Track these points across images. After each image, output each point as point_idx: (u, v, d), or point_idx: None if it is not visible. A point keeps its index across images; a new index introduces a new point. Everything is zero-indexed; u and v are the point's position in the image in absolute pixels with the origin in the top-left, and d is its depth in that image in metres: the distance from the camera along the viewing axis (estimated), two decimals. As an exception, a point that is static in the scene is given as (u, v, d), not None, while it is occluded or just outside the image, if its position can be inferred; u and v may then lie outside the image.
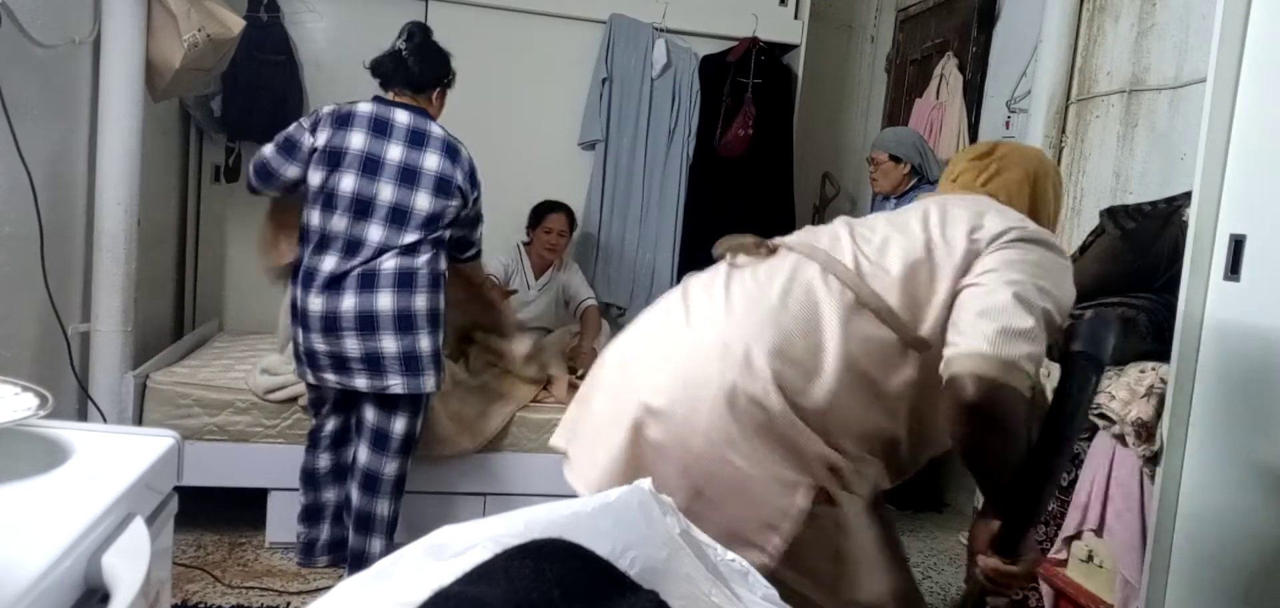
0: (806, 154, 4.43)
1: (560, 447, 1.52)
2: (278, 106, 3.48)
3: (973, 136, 3.86)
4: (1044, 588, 2.54)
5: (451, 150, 2.47)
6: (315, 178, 2.40)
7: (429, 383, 2.47)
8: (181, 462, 1.13)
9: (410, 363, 2.43)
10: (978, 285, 1.27)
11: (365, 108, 2.45)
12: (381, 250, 2.39)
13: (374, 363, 2.41)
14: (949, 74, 3.98)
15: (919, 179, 3.45)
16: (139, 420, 2.72)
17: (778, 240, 1.48)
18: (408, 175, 2.41)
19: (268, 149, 2.47)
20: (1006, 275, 1.25)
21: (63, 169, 2.50)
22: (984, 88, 3.88)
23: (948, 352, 1.23)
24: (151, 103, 2.75)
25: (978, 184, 1.53)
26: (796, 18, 4.13)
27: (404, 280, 2.41)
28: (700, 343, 1.33)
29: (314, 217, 2.41)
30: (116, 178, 2.60)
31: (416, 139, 2.44)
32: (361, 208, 2.39)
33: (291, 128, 2.46)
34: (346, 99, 2.62)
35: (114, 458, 1.02)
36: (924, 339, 1.29)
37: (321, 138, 2.41)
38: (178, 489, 1.13)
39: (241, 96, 3.44)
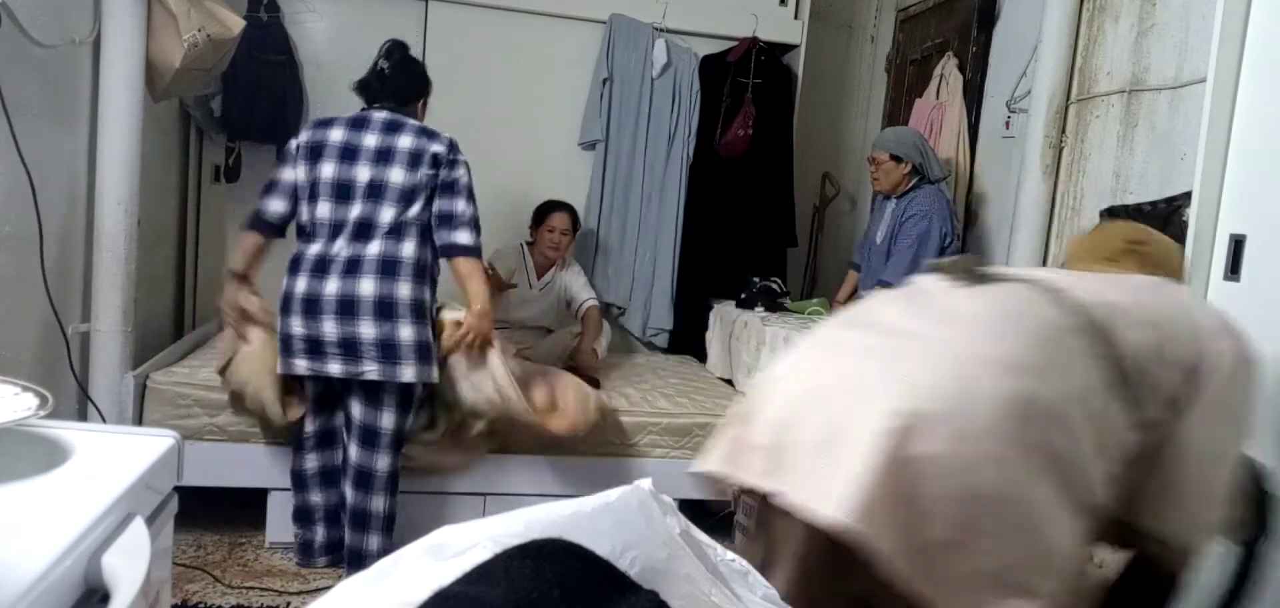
0: (806, 154, 4.43)
1: (748, 480, 1.25)
2: (278, 107, 3.48)
3: (973, 137, 3.86)
4: (1044, 588, 2.53)
5: (427, 131, 2.52)
6: (300, 172, 2.49)
7: (407, 373, 2.44)
8: (181, 462, 1.13)
9: (387, 350, 2.41)
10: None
11: (344, 116, 2.55)
12: (362, 230, 2.43)
13: (350, 348, 2.41)
14: (949, 74, 3.98)
15: (920, 179, 3.45)
16: (139, 420, 2.72)
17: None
18: (383, 155, 2.47)
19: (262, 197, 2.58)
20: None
21: (63, 169, 2.50)
22: (984, 88, 3.88)
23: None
24: (151, 103, 2.75)
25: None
26: (796, 18, 4.13)
27: (387, 268, 2.42)
28: (968, 341, 1.17)
29: (302, 210, 2.50)
30: (116, 178, 2.60)
31: (391, 127, 2.50)
32: (342, 191, 2.45)
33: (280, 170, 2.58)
34: (346, 99, 2.65)
35: (114, 458, 1.02)
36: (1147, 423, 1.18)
37: (304, 137, 2.53)
38: (178, 489, 1.13)
39: (241, 97, 3.44)
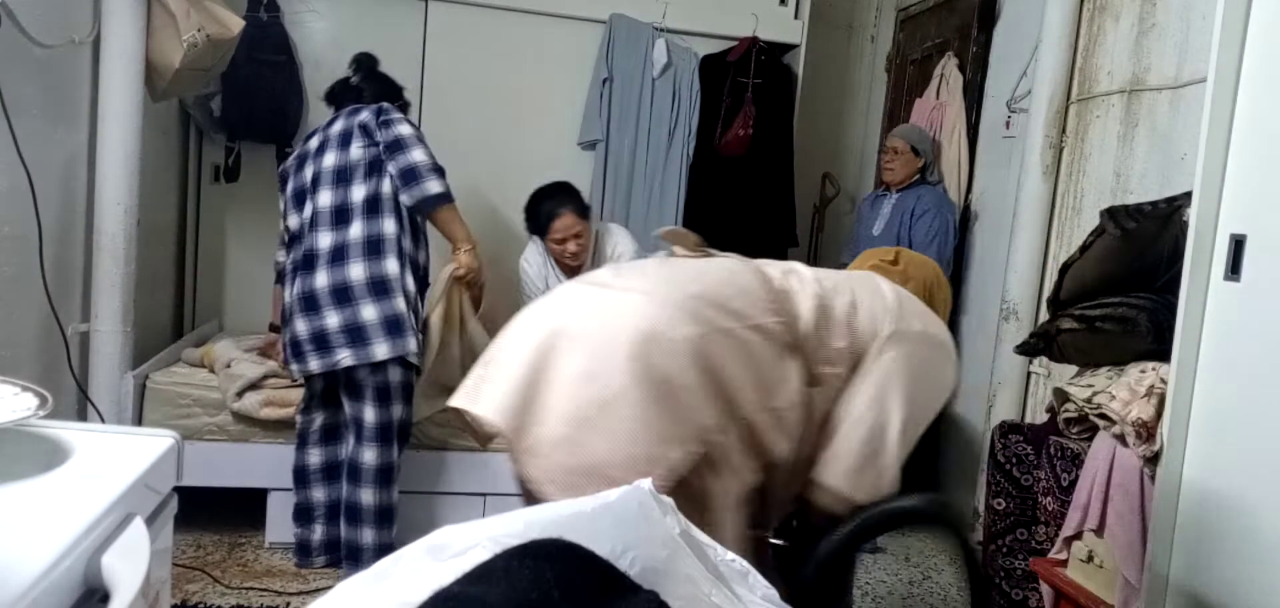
0: (807, 154, 4.43)
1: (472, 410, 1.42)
2: (277, 107, 3.47)
3: (973, 137, 3.87)
4: (1044, 588, 2.53)
5: (354, 111, 2.59)
6: (289, 188, 2.66)
7: (380, 350, 2.43)
8: (181, 462, 1.12)
9: (354, 334, 2.44)
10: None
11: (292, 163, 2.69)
12: (314, 224, 2.50)
13: (321, 342, 2.46)
14: (949, 74, 3.98)
15: (921, 177, 3.61)
16: (138, 421, 2.72)
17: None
18: (321, 149, 2.57)
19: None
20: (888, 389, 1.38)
21: (62, 169, 2.50)
22: (984, 88, 3.88)
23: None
24: (151, 103, 2.75)
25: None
26: (796, 18, 4.13)
27: (338, 254, 2.46)
28: (627, 292, 1.38)
29: (289, 219, 2.64)
30: (116, 178, 2.60)
31: (331, 123, 2.61)
32: (298, 199, 2.59)
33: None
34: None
35: (114, 458, 1.02)
36: (819, 379, 1.37)
37: (279, 172, 2.74)
38: (177, 489, 1.13)
39: (241, 97, 3.44)
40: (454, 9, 3.77)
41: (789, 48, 4.16)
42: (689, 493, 1.26)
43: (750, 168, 4.07)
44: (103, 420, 2.56)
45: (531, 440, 1.29)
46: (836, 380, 1.38)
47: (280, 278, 2.74)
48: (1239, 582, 1.84)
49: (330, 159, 2.53)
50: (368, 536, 2.54)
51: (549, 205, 3.08)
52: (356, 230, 2.45)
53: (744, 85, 3.99)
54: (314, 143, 2.62)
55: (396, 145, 2.48)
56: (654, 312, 1.31)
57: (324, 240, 2.47)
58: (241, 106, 3.45)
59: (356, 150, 2.50)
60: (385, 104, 2.57)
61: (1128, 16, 3.03)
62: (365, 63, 2.74)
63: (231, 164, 3.63)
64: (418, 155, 2.47)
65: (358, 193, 2.47)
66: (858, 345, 1.39)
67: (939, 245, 3.49)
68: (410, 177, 2.46)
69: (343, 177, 2.49)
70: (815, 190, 4.83)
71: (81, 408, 2.58)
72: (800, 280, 1.45)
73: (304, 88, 3.59)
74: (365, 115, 2.53)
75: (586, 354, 1.29)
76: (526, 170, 3.84)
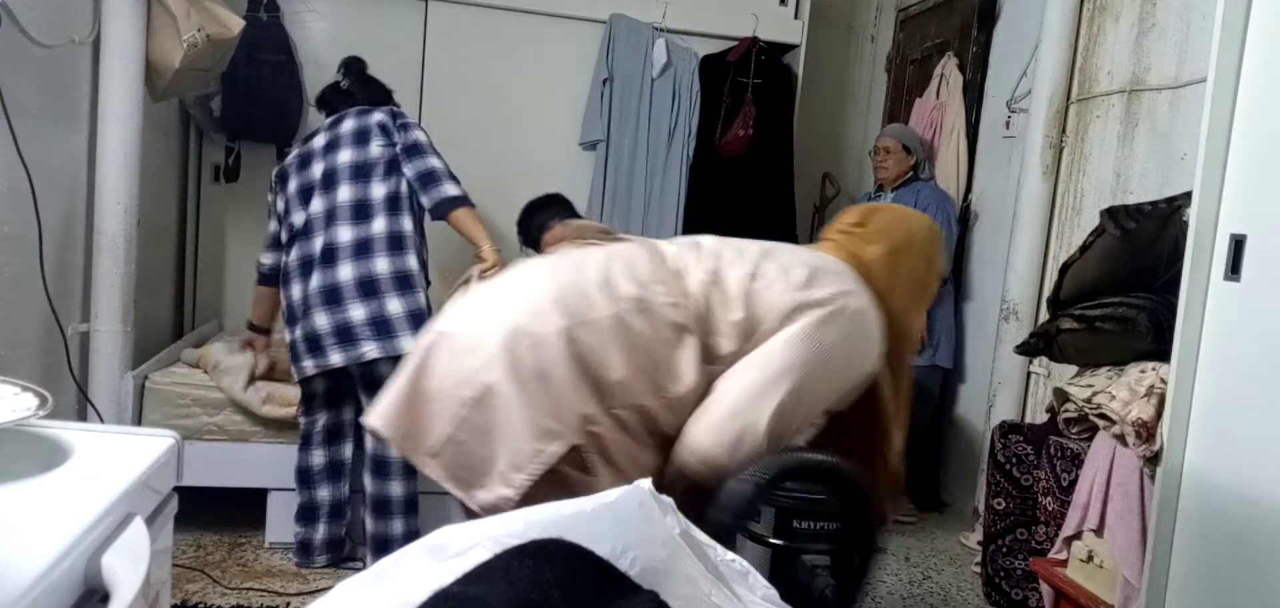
0: (806, 154, 4.43)
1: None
2: (277, 107, 3.47)
3: (972, 137, 3.87)
4: (1044, 588, 2.54)
5: (364, 110, 2.60)
6: (279, 203, 2.63)
7: (406, 343, 2.41)
8: (181, 462, 1.12)
9: (380, 326, 2.43)
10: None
11: (292, 160, 2.68)
12: (330, 219, 2.50)
13: (345, 334, 2.44)
14: (949, 74, 3.98)
15: (913, 175, 3.67)
16: (138, 420, 2.72)
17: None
18: (331, 147, 2.57)
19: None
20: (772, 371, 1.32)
21: (62, 169, 2.50)
22: (984, 88, 3.89)
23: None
24: (151, 103, 2.75)
25: (845, 253, 1.56)
26: (796, 18, 4.13)
27: (362, 248, 2.46)
28: (505, 291, 1.40)
29: (283, 230, 2.64)
30: (116, 178, 2.59)
31: (336, 122, 2.61)
32: (305, 194, 2.57)
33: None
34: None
35: (114, 458, 1.02)
36: (716, 356, 1.34)
37: (273, 177, 2.68)
38: (177, 489, 1.13)
39: (241, 97, 3.43)
40: (454, 9, 3.77)
41: (789, 48, 4.16)
42: (579, 480, 1.27)
43: (750, 168, 4.07)
44: (102, 421, 2.56)
45: (422, 448, 1.32)
46: (733, 357, 1.34)
47: (267, 279, 2.72)
48: (1239, 581, 1.84)
49: (346, 156, 2.53)
50: (397, 525, 2.57)
51: (541, 218, 2.99)
52: (380, 225, 2.47)
53: (744, 85, 3.99)
54: (319, 141, 2.60)
55: (414, 149, 2.55)
56: (525, 307, 1.32)
57: (344, 234, 2.47)
58: (241, 107, 3.45)
59: (376, 148, 2.52)
60: (395, 108, 2.63)
61: (1128, 16, 3.03)
62: (355, 66, 2.75)
63: (231, 164, 3.63)
64: (434, 161, 2.55)
65: (378, 190, 2.50)
66: (754, 318, 1.34)
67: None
68: (429, 180, 2.52)
69: (362, 173, 2.51)
70: (815, 190, 4.83)
71: (81, 408, 2.58)
72: (697, 255, 1.42)
73: (304, 88, 3.58)
74: (381, 116, 2.56)
75: (462, 354, 1.31)
76: (527, 171, 3.84)
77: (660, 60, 3.96)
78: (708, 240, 1.48)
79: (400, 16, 3.72)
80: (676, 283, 1.37)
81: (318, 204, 2.53)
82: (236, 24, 2.82)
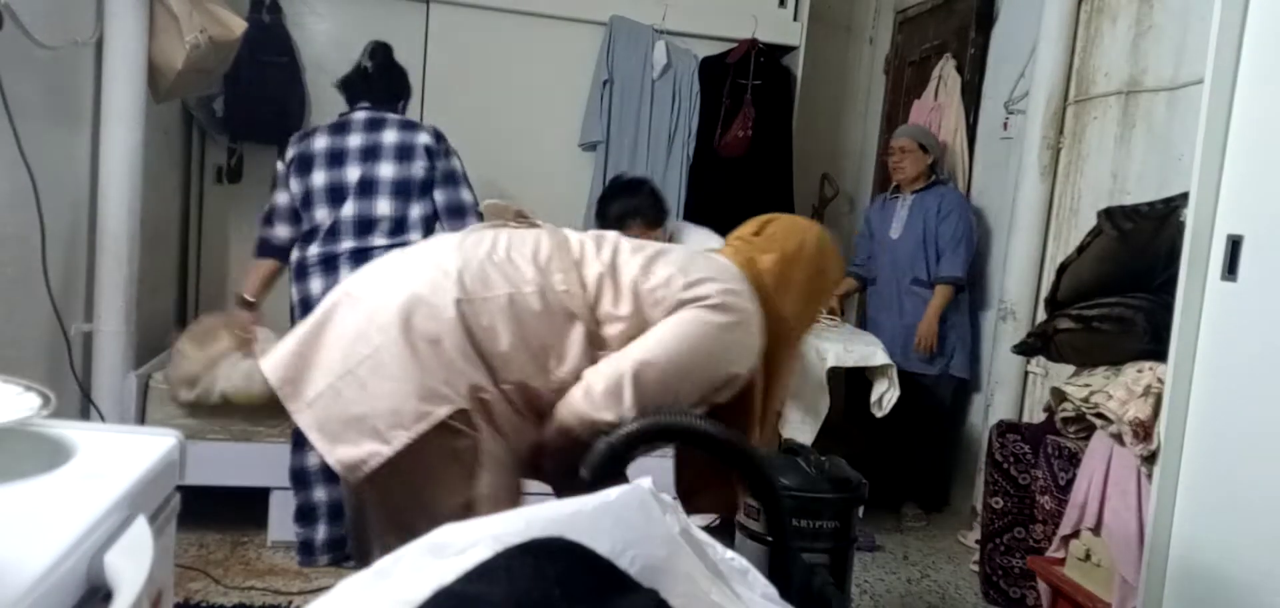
0: (806, 155, 4.44)
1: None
2: (279, 108, 3.48)
3: (971, 138, 3.88)
4: (1042, 586, 2.54)
5: (408, 123, 2.60)
6: (294, 186, 2.57)
7: None
8: (184, 461, 1.13)
9: None
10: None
11: (325, 123, 2.63)
12: (364, 227, 2.50)
13: None
14: (947, 75, 3.99)
15: (933, 175, 3.61)
16: (141, 420, 2.73)
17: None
18: (369, 153, 2.55)
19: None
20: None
21: (65, 170, 2.51)
22: (982, 89, 3.89)
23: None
24: (154, 104, 2.76)
25: (741, 259, 1.65)
26: (795, 19, 4.14)
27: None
28: (413, 260, 1.48)
29: (302, 218, 2.58)
30: (119, 179, 2.60)
31: (373, 124, 2.58)
32: (336, 194, 2.54)
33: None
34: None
35: (116, 457, 1.02)
36: (604, 344, 1.43)
37: (290, 154, 2.60)
38: (180, 489, 1.14)
39: (243, 98, 3.44)
40: (455, 11, 3.78)
41: (788, 49, 4.16)
42: (463, 445, 1.36)
43: (749, 169, 4.08)
44: (103, 420, 2.56)
45: (302, 398, 1.40)
46: (620, 344, 1.43)
47: (272, 251, 2.63)
48: (1236, 580, 1.84)
49: (388, 170, 2.53)
50: None
51: (618, 207, 2.96)
52: (415, 242, 2.47)
53: (743, 87, 4.00)
54: (355, 141, 2.56)
55: (450, 178, 2.58)
56: (427, 278, 1.40)
57: (380, 242, 2.49)
58: (244, 107, 3.46)
59: (419, 169, 2.54)
60: (438, 129, 2.61)
61: (1125, 18, 3.04)
62: (381, 52, 2.71)
63: (234, 165, 3.64)
64: (466, 195, 2.60)
65: (416, 210, 2.53)
66: (641, 311, 1.43)
67: (965, 248, 3.47)
68: (457, 212, 2.57)
69: (403, 190, 2.53)
70: (814, 191, 4.84)
71: (84, 408, 2.59)
72: (598, 247, 1.50)
73: (306, 89, 3.59)
74: (427, 138, 2.56)
75: (362, 315, 1.39)
76: (527, 172, 3.86)
77: (660, 62, 3.96)
78: (611, 235, 1.56)
79: (401, 18, 3.73)
80: (575, 272, 1.45)
81: (351, 209, 2.52)
82: (239, 25, 2.82)
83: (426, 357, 1.34)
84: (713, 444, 1.39)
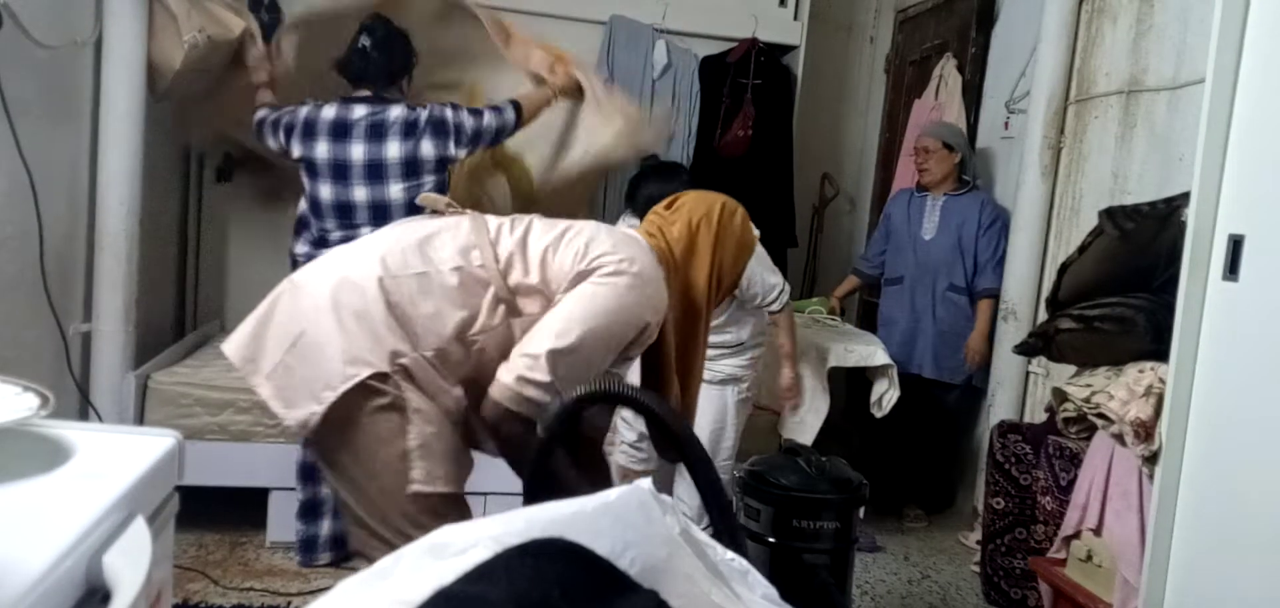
0: (806, 155, 4.44)
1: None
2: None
3: (971, 138, 3.87)
4: (1043, 587, 2.54)
5: (408, 127, 2.53)
6: (322, 151, 2.54)
7: None
8: (183, 461, 1.13)
9: None
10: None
11: (328, 112, 2.56)
12: (383, 210, 2.49)
13: None
14: (948, 75, 3.98)
15: (960, 176, 3.53)
16: (140, 420, 2.72)
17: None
18: (373, 170, 2.53)
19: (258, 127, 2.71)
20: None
21: (64, 169, 2.51)
22: (983, 88, 3.89)
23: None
24: (153, 103, 2.76)
25: (655, 228, 1.81)
26: (796, 19, 4.14)
27: None
28: (347, 251, 1.68)
29: (321, 188, 2.57)
30: (118, 178, 2.60)
31: (375, 132, 2.53)
32: (343, 211, 2.53)
33: (264, 133, 2.66)
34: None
35: (115, 458, 1.02)
36: (519, 312, 1.59)
37: (295, 149, 2.57)
38: (179, 489, 1.14)
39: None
40: (454, 10, 3.77)
41: (788, 49, 4.16)
42: (386, 403, 1.53)
43: (750, 169, 4.07)
44: (102, 421, 2.56)
45: (260, 371, 1.58)
46: (534, 314, 1.59)
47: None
48: (1237, 580, 1.84)
49: (395, 150, 2.50)
50: None
51: (647, 191, 2.76)
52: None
53: (743, 86, 4.00)
54: (359, 113, 2.52)
55: (478, 135, 2.63)
56: (355, 262, 1.60)
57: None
58: (242, 107, 3.45)
59: (428, 147, 2.53)
60: (442, 117, 2.57)
61: (1126, 18, 3.04)
62: (379, 27, 2.62)
63: (233, 164, 3.63)
64: (487, 123, 2.67)
65: (428, 186, 2.54)
66: (548, 280, 1.60)
67: (1003, 262, 3.41)
68: (501, 134, 2.69)
69: (412, 169, 2.53)
70: (814, 191, 4.84)
71: (83, 408, 2.58)
72: (513, 226, 1.67)
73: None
74: (429, 147, 2.54)
75: (302, 297, 1.60)
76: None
77: (660, 61, 3.96)
78: (526, 217, 1.72)
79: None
80: (490, 249, 1.61)
81: (360, 192, 2.52)
82: (238, 25, 2.82)
83: (351, 328, 1.53)
84: (640, 408, 1.51)
